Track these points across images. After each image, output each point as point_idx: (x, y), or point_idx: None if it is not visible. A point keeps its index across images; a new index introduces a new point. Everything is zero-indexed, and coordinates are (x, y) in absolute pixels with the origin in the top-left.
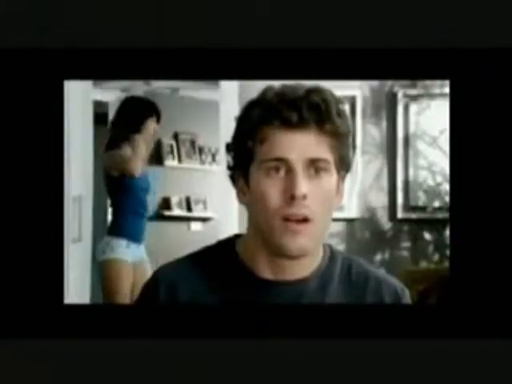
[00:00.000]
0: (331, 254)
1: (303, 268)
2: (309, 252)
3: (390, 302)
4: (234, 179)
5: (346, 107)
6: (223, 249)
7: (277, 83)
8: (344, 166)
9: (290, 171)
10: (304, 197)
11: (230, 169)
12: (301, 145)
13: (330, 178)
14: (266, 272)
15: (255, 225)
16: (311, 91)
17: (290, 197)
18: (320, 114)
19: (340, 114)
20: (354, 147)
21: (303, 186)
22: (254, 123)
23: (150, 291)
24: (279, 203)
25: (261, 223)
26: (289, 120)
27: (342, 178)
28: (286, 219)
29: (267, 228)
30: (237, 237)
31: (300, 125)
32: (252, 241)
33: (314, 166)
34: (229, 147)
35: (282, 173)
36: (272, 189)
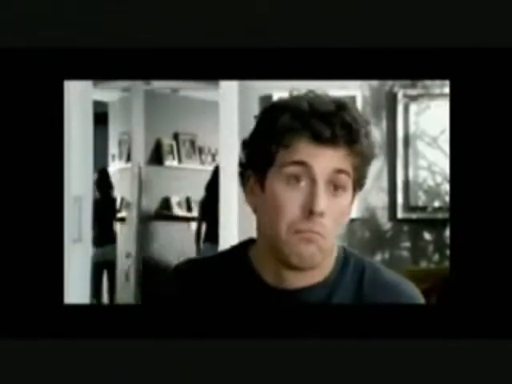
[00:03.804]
0: (344, 261)
1: (311, 277)
2: (316, 265)
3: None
4: (243, 177)
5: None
6: (236, 253)
7: (302, 85)
8: (359, 186)
9: (311, 183)
10: (321, 214)
11: (241, 166)
12: (326, 157)
13: (347, 197)
14: (272, 279)
15: (263, 230)
16: (341, 107)
17: (309, 212)
18: (351, 134)
19: (367, 135)
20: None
21: (322, 202)
22: (282, 129)
23: (167, 285)
24: (294, 217)
25: (269, 230)
26: (321, 135)
27: (354, 197)
28: (298, 232)
29: (276, 238)
30: (251, 241)
31: (330, 141)
32: (260, 246)
33: (334, 182)
34: (245, 144)
35: (303, 183)
36: (290, 201)
